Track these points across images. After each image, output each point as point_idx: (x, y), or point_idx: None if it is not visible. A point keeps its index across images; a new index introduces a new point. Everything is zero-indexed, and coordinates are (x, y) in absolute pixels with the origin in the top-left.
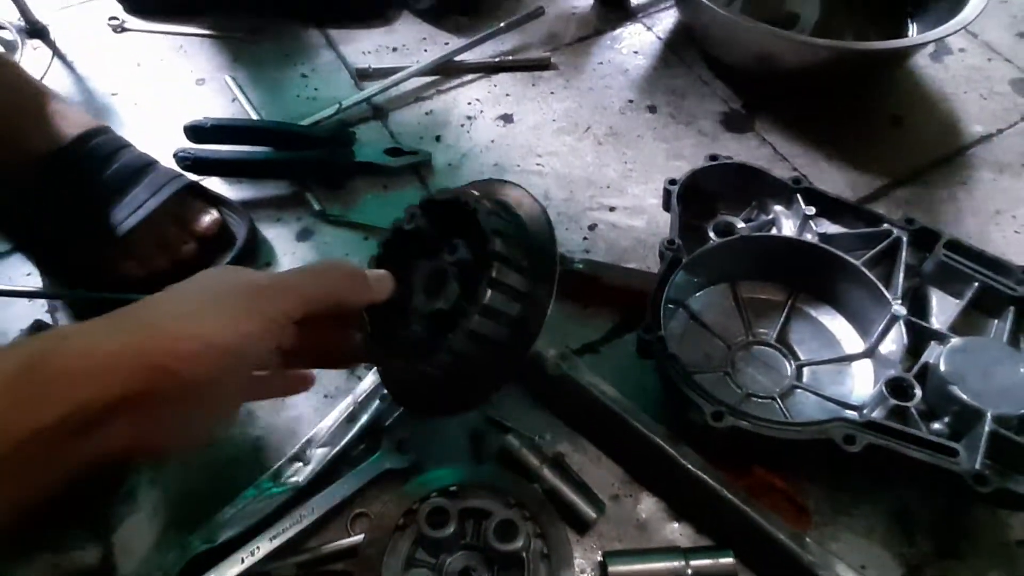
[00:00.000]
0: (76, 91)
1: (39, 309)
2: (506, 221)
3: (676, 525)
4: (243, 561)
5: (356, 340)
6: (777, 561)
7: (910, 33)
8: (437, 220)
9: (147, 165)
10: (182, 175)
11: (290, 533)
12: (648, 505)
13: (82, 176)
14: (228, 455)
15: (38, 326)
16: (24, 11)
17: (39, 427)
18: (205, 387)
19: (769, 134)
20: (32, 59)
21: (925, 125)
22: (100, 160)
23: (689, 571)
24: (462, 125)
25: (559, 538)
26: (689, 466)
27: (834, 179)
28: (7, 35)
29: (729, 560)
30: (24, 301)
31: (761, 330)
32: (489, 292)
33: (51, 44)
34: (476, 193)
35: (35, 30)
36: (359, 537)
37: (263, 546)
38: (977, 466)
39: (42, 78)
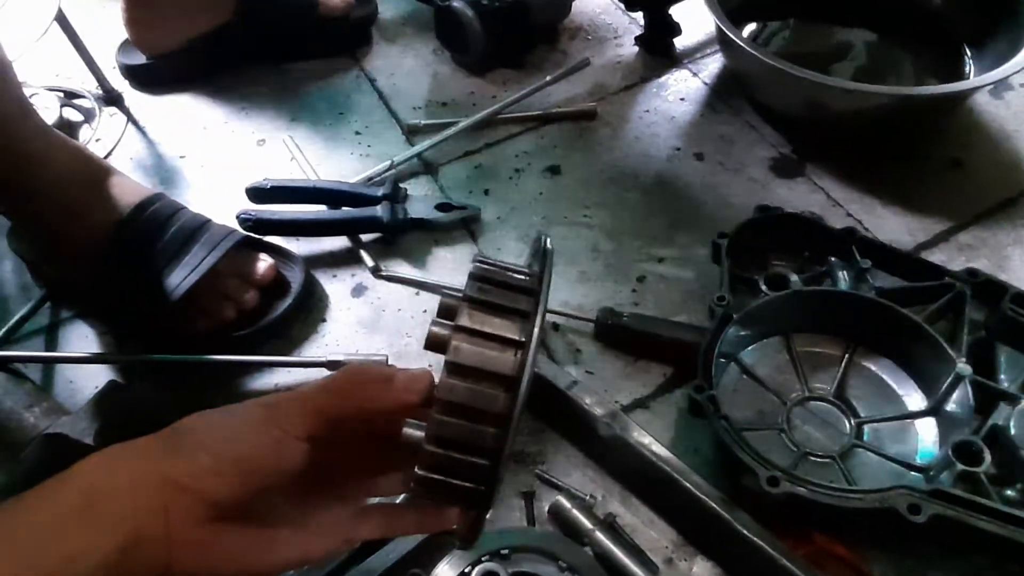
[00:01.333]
0: (148, 155)
1: (108, 371)
2: None
3: None
4: None
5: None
6: None
7: (967, 64)
8: None
9: (202, 225)
10: (236, 231)
11: None
12: (703, 570)
13: (142, 243)
14: None
15: (114, 386)
16: (101, 80)
17: (104, 555)
18: (234, 505)
19: (821, 179)
20: (108, 125)
21: (986, 166)
22: (158, 225)
23: None
24: (510, 178)
25: None
26: (745, 532)
27: (891, 225)
28: (86, 103)
29: None
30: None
31: (818, 385)
32: None
33: (126, 111)
34: None
35: (111, 98)
36: None
37: None
38: None
39: (118, 143)
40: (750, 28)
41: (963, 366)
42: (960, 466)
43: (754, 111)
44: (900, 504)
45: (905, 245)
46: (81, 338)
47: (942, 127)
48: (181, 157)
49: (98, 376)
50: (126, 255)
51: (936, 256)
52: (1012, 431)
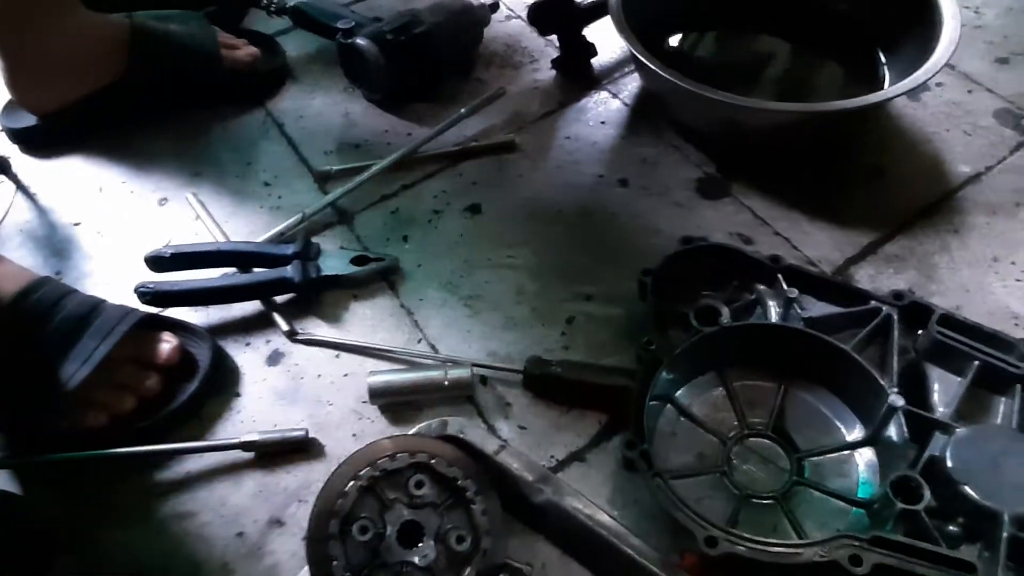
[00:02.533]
0: (39, 224)
1: (3, 474)
2: None
3: None
4: None
5: None
6: None
7: (882, 69)
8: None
9: (93, 308)
10: (133, 311)
11: None
12: None
13: (25, 334)
14: None
15: (2, 496)
16: None
17: None
18: None
19: (747, 198)
20: None
21: (908, 172)
22: (42, 313)
23: None
24: (429, 221)
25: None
26: None
27: (819, 240)
28: None
29: None
30: None
31: (755, 420)
32: None
33: (13, 177)
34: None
35: None
36: None
37: None
38: None
39: (6, 213)
40: (676, 38)
41: (895, 397)
42: (900, 505)
43: (675, 132)
44: (841, 556)
45: (835, 261)
46: None
47: (861, 136)
48: (76, 224)
49: None
50: (7, 349)
51: (865, 270)
52: (949, 463)
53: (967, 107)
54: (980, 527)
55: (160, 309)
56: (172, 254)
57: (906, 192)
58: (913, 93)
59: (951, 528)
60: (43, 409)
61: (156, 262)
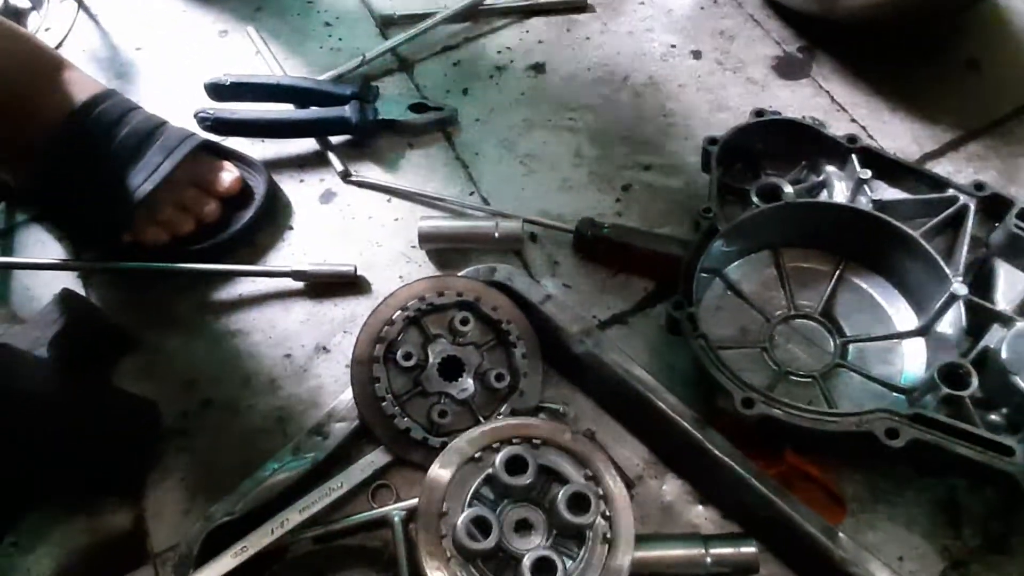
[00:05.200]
0: (102, 47)
1: (66, 277)
2: None
3: (701, 509)
4: (272, 532)
5: None
6: (807, 554)
7: None
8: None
9: (157, 127)
10: (194, 134)
11: (319, 506)
12: (673, 488)
13: (93, 142)
14: (253, 425)
15: (67, 294)
16: None
17: None
18: None
19: (827, 81)
20: (59, 13)
21: (1006, 68)
22: (109, 125)
23: (708, 559)
24: (491, 76)
25: (626, 526)
26: (716, 452)
27: (897, 132)
28: None
29: (751, 550)
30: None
31: (804, 302)
32: None
33: None
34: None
35: None
36: (383, 510)
37: (292, 518)
38: None
39: (69, 32)
40: None
41: (959, 285)
42: (945, 389)
43: (760, 3)
44: (878, 428)
45: (911, 155)
46: (38, 244)
47: (961, 24)
48: (137, 49)
49: (56, 283)
50: (76, 155)
51: (943, 167)
52: (1004, 354)
53: None
54: None
55: (218, 137)
56: (232, 83)
57: (1000, 89)
58: None
59: (993, 418)
60: (108, 219)
61: (216, 90)
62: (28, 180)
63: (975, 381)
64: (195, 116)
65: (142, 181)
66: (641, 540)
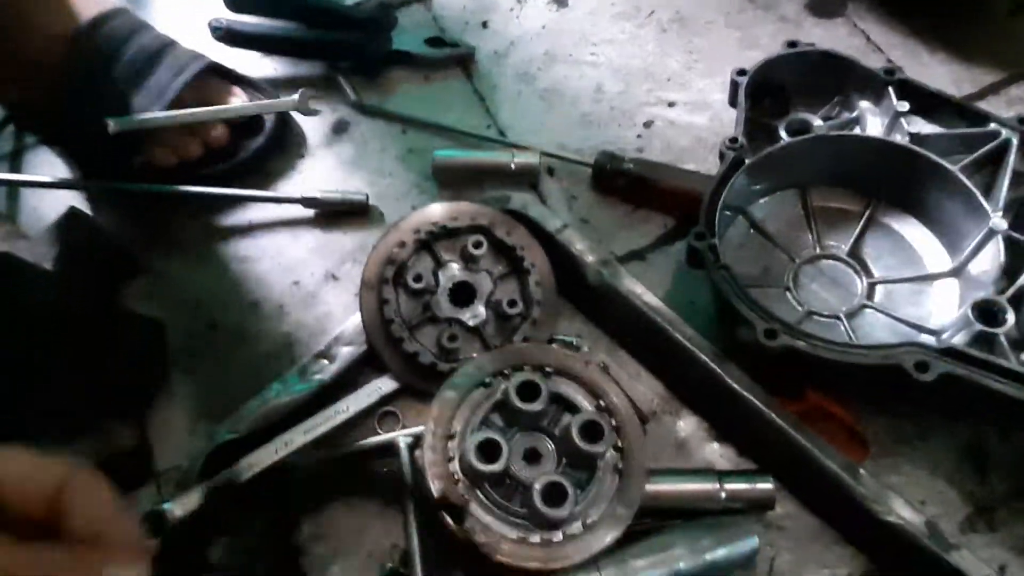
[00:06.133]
0: None
1: (74, 198)
2: None
3: (717, 446)
4: (276, 452)
5: None
6: (826, 492)
7: None
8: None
9: (166, 46)
10: (203, 56)
11: (323, 428)
12: (689, 424)
13: (100, 60)
14: (260, 350)
15: (74, 212)
16: None
17: None
18: None
19: (863, 20)
20: None
21: None
22: (117, 43)
23: (723, 494)
24: (511, 9)
25: (638, 457)
26: (734, 385)
27: (936, 74)
28: None
29: (768, 486)
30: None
31: (831, 243)
32: None
33: None
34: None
35: None
36: (389, 435)
37: (296, 439)
38: None
39: None
40: None
41: (998, 220)
42: (979, 326)
43: None
44: (907, 361)
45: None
46: (46, 164)
47: None
48: None
49: (64, 204)
50: (83, 74)
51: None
52: None
53: None
54: None
55: (226, 58)
56: None
57: None
58: None
59: None
60: (114, 141)
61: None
62: (33, 99)
63: (1011, 318)
64: (208, 24)
65: (149, 102)
66: (654, 473)
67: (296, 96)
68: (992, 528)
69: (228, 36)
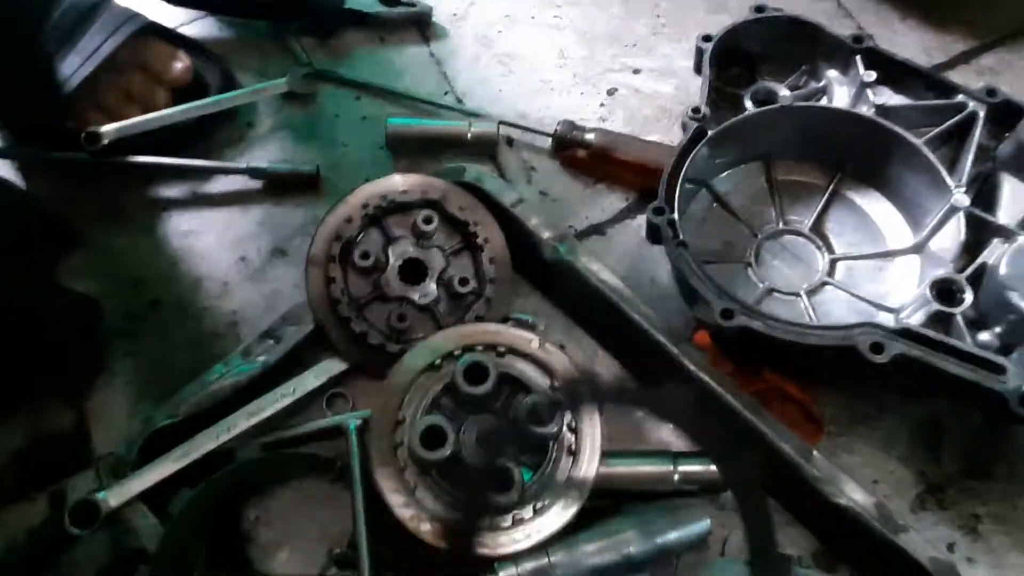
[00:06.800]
0: None
1: (3, 167)
2: None
3: (672, 427)
4: (218, 437)
5: None
6: (780, 473)
7: None
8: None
9: (98, 4)
10: (140, 14)
11: (268, 411)
12: None
13: (28, 21)
14: (205, 328)
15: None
16: None
17: None
18: None
19: None
20: None
21: None
22: (44, 2)
23: (676, 476)
24: None
25: (591, 438)
26: (691, 367)
27: (907, 41)
28: None
29: None
30: None
31: (794, 217)
32: None
33: None
34: None
35: None
36: (337, 418)
37: (239, 423)
38: None
39: None
40: None
41: (960, 196)
42: (937, 305)
43: None
44: (862, 343)
45: (918, 64)
46: None
47: None
48: None
49: None
50: (8, 34)
51: (952, 79)
52: (1001, 271)
53: None
54: (1019, 338)
55: (173, 6)
56: None
57: None
58: None
59: (985, 337)
60: (46, 104)
61: None
62: None
63: (968, 297)
64: None
65: (80, 63)
66: (608, 455)
67: (285, 78)
68: (942, 506)
69: None
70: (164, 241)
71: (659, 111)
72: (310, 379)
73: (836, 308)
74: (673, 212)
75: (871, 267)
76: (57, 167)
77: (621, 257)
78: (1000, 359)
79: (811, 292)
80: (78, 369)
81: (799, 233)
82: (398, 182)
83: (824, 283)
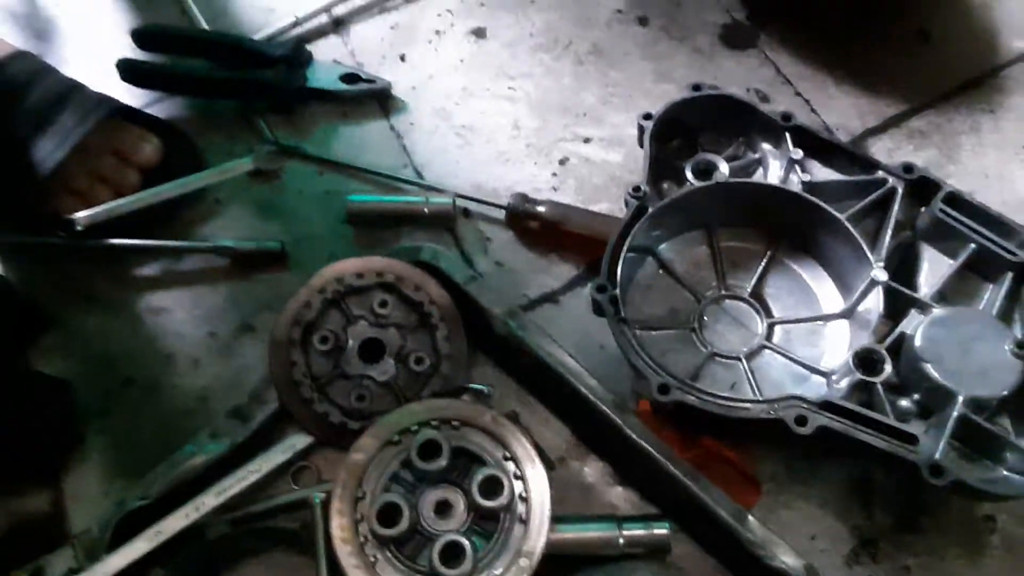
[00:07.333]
0: (19, 1)
1: None
2: None
3: (621, 490)
4: (188, 516)
5: None
6: (718, 536)
7: None
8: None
9: (71, 89)
10: (111, 98)
11: (236, 489)
12: (595, 469)
13: (2, 106)
14: (176, 406)
15: None
16: None
17: None
18: None
19: (774, 51)
20: None
21: (956, 40)
22: (18, 88)
23: (621, 540)
24: (430, 41)
25: (541, 508)
26: (632, 435)
27: (841, 106)
28: None
29: (663, 531)
30: None
31: (735, 282)
32: None
33: None
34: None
35: None
36: (302, 492)
37: (208, 501)
38: (938, 455)
39: None
40: None
41: (878, 271)
42: (858, 375)
43: None
44: (788, 416)
45: (854, 130)
46: None
47: None
48: (56, 7)
49: None
50: None
51: (884, 143)
52: (916, 342)
53: None
54: (934, 405)
55: (140, 88)
56: (160, 31)
57: (948, 62)
58: None
59: (904, 404)
60: (16, 190)
61: (141, 37)
62: None
63: (888, 368)
64: (117, 65)
65: (53, 148)
66: (558, 521)
67: (251, 157)
68: (875, 560)
69: (137, 76)
70: (136, 320)
71: (609, 179)
72: (276, 455)
73: (774, 372)
74: (615, 288)
75: (806, 330)
76: (28, 250)
77: (573, 324)
78: (913, 430)
79: (750, 356)
80: (53, 451)
81: (740, 298)
82: (355, 266)
83: (763, 346)
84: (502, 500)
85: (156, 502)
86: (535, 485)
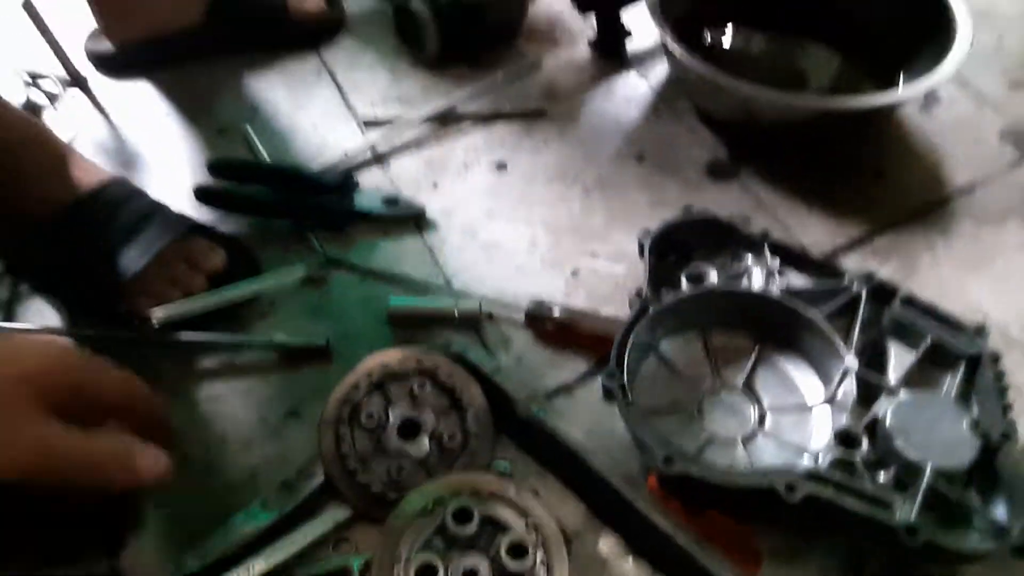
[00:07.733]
0: (110, 139)
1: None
2: None
3: (632, 562)
4: None
5: None
6: None
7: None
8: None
9: (155, 209)
10: (188, 218)
11: (282, 554)
12: (608, 542)
13: (97, 223)
14: (228, 482)
15: None
16: (65, 63)
17: None
18: None
19: (753, 184)
20: (71, 108)
21: (908, 177)
22: (114, 206)
23: None
24: (459, 173)
25: (561, 571)
26: (642, 510)
27: (814, 229)
28: (50, 85)
29: None
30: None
31: (729, 376)
32: None
33: (90, 93)
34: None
35: (75, 80)
36: (342, 558)
37: (257, 566)
38: (912, 518)
39: (82, 126)
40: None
41: (851, 360)
42: (840, 451)
43: (695, 117)
44: (779, 484)
45: (825, 248)
46: (37, 313)
47: (868, 139)
48: (142, 143)
49: None
50: (81, 233)
51: (853, 259)
52: (888, 421)
53: (974, 124)
54: (907, 478)
55: (214, 208)
56: (230, 160)
57: (902, 194)
58: (926, 106)
59: (882, 478)
60: (102, 290)
61: (216, 168)
62: (31, 254)
63: (865, 444)
64: (193, 189)
65: (137, 256)
66: None
67: (302, 267)
68: None
69: (209, 199)
70: (195, 405)
71: (614, 287)
72: (318, 525)
73: (767, 453)
74: (623, 376)
75: (793, 417)
76: (107, 342)
77: (586, 413)
78: (888, 496)
79: (746, 440)
80: (115, 524)
81: (734, 390)
82: (398, 355)
83: (756, 432)
84: (526, 563)
85: (209, 567)
86: (555, 551)
